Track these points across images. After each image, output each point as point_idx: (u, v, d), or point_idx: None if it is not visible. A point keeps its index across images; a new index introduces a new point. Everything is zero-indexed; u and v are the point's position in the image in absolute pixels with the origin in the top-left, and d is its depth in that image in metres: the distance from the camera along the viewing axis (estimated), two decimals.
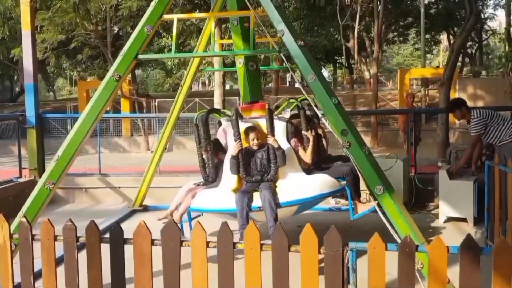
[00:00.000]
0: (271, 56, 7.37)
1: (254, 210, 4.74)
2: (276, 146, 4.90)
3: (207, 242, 2.57)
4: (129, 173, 10.09)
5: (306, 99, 5.20)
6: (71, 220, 2.79)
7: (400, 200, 3.94)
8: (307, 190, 4.84)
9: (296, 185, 4.90)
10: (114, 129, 18.85)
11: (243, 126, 5.09)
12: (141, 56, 4.56)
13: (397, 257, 2.35)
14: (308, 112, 5.41)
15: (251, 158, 5.04)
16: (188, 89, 7.10)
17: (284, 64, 4.86)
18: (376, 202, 3.97)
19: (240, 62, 5.44)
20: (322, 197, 5.08)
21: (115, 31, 21.21)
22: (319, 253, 2.42)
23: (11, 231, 2.90)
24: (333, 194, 5.16)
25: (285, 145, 5.10)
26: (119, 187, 8.42)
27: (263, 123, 5.13)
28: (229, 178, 5.09)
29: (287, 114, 5.54)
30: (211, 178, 5.45)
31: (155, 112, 20.63)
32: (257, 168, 5.00)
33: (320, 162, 5.40)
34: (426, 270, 3.05)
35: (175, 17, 4.64)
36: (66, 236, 2.75)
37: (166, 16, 4.58)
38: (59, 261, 2.88)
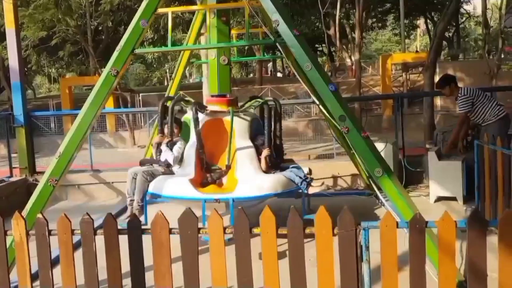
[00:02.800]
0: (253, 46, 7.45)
1: (210, 201, 4.90)
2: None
3: (224, 228, 2.66)
4: (120, 168, 10.09)
5: (271, 100, 5.40)
6: (87, 214, 2.85)
7: (398, 182, 4.07)
8: (262, 188, 5.01)
9: (254, 183, 5.07)
10: (98, 125, 18.70)
11: (205, 118, 5.33)
12: (137, 50, 4.59)
13: (408, 234, 2.47)
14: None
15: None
16: (179, 81, 7.13)
17: (278, 54, 4.94)
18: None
19: (212, 55, 5.52)
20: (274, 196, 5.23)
21: (95, 26, 20.92)
22: (333, 234, 2.53)
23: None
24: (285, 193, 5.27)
25: (246, 144, 5.29)
26: (112, 182, 8.43)
27: (226, 118, 5.30)
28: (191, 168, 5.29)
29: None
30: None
31: (140, 107, 20.52)
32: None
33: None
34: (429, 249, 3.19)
35: (169, 10, 4.67)
36: (84, 229, 2.81)
37: (161, 10, 4.60)
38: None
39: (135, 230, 2.77)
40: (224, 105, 5.45)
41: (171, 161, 5.33)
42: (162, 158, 5.41)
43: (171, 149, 5.42)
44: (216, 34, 5.20)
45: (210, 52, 5.57)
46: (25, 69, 28.20)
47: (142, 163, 5.80)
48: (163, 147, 5.40)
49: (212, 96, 5.64)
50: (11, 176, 8.44)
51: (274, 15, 4.29)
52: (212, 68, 5.56)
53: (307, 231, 2.58)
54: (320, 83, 4.20)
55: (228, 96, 5.59)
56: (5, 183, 8.02)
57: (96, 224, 2.86)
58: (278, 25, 4.29)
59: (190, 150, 5.36)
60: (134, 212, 5.22)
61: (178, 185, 5.11)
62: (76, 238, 2.90)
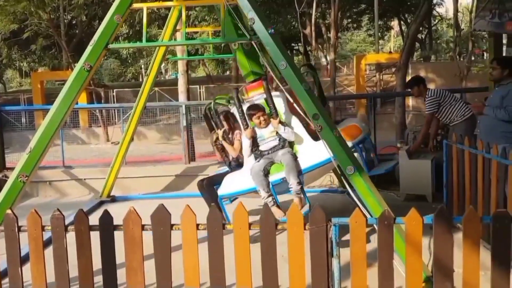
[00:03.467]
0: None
1: (277, 183, 4.84)
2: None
3: (197, 225, 2.67)
4: (93, 164, 9.97)
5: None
6: (58, 210, 2.82)
7: (369, 180, 4.15)
8: (319, 155, 4.85)
9: (308, 152, 4.98)
10: (71, 120, 18.37)
11: (245, 108, 5.18)
12: (111, 46, 4.54)
13: (377, 230, 2.54)
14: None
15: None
16: (154, 78, 7.09)
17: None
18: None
19: (235, 45, 5.44)
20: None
21: (68, 20, 20.53)
22: (305, 229, 2.58)
23: None
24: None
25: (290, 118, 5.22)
26: (84, 179, 8.32)
27: (263, 101, 5.21)
28: (248, 160, 5.19)
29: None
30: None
31: (114, 103, 20.25)
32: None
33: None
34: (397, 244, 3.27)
35: (144, 6, 4.64)
36: (54, 225, 2.78)
37: (136, 5, 4.57)
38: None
39: (107, 226, 2.75)
40: (259, 88, 5.33)
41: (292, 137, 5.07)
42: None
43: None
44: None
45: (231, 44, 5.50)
46: None
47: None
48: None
49: (249, 82, 5.51)
50: None
51: (250, 13, 4.30)
52: (240, 57, 5.47)
53: (279, 227, 2.62)
54: (294, 82, 4.23)
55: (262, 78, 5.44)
56: None
57: (67, 221, 2.83)
58: (253, 23, 4.30)
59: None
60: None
61: (244, 179, 5.03)
62: (46, 236, 2.87)
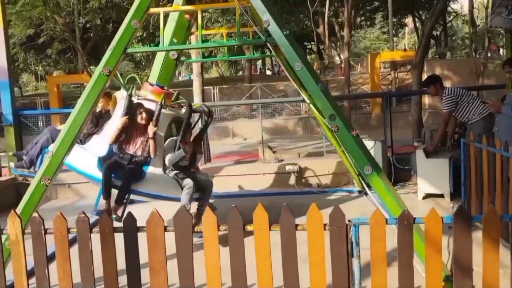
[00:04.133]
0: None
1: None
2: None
3: (218, 226, 2.72)
4: None
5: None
6: (83, 212, 2.90)
7: (387, 179, 4.16)
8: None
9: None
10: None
11: (136, 101, 5.27)
12: (130, 50, 4.62)
13: (397, 230, 2.56)
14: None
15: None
16: (170, 81, 7.15)
17: (267, 52, 4.98)
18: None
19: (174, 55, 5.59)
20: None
21: (83, 24, 20.80)
22: (325, 229, 2.61)
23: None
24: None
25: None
26: None
27: (151, 107, 5.23)
28: (100, 143, 5.26)
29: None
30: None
31: None
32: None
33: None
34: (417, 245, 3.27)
35: (161, 10, 4.71)
36: (80, 227, 2.85)
37: (153, 10, 4.64)
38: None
39: (131, 228, 2.82)
40: (157, 95, 5.31)
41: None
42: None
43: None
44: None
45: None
46: (13, 66, 27.99)
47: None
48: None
49: (151, 84, 5.58)
50: (0, 175, 8.39)
51: (265, 15, 4.34)
52: (159, 57, 5.61)
53: (299, 228, 2.65)
54: (310, 82, 4.26)
55: (165, 88, 5.52)
56: None
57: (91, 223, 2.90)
58: (269, 25, 4.34)
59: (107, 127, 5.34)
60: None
61: (86, 159, 5.14)
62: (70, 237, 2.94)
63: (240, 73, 41.16)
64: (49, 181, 4.34)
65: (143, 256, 2.87)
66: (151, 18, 15.65)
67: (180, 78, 44.97)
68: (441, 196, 6.62)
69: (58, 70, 29.95)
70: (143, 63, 38.78)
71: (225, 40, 6.86)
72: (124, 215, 2.92)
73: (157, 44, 4.95)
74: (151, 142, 5.08)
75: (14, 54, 16.99)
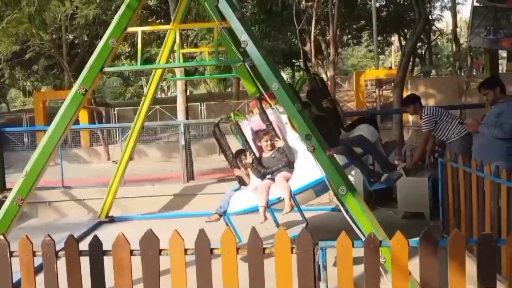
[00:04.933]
0: None
1: (273, 203, 4.88)
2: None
3: (185, 250, 2.69)
4: (92, 184, 10.01)
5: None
6: (49, 235, 2.85)
7: (361, 199, 4.18)
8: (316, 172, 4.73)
9: (304, 170, 4.96)
10: (72, 139, 18.49)
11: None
12: (106, 69, 4.63)
13: (363, 253, 2.55)
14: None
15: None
16: (152, 98, 7.16)
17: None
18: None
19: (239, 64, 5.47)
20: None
21: (70, 40, 20.78)
22: (292, 252, 2.59)
23: None
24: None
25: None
26: (84, 199, 8.35)
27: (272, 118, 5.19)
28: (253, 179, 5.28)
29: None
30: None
31: (115, 121, 20.37)
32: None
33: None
34: (389, 264, 3.27)
35: (139, 29, 4.73)
36: (45, 251, 2.80)
37: (130, 29, 4.66)
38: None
39: (97, 252, 2.77)
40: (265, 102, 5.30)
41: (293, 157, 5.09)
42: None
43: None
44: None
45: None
46: None
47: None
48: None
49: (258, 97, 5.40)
50: None
51: (243, 36, 4.38)
52: (242, 74, 5.54)
53: (267, 251, 2.64)
54: (287, 103, 4.29)
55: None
56: None
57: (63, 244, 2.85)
58: (246, 45, 4.38)
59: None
60: None
61: (250, 198, 5.08)
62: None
63: (230, 89, 41.32)
64: (22, 201, 4.28)
65: (112, 280, 2.82)
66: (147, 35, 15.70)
67: (169, 94, 44.97)
68: (421, 215, 6.64)
69: (46, 85, 29.80)
70: (132, 79, 38.74)
71: (207, 59, 6.91)
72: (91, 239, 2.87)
73: (146, 62, 4.95)
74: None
75: (0, 69, 16.86)
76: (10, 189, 8.48)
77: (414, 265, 2.66)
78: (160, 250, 2.71)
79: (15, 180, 9.09)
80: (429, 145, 6.78)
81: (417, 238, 2.51)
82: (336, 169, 4.16)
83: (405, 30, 30.92)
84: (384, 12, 29.05)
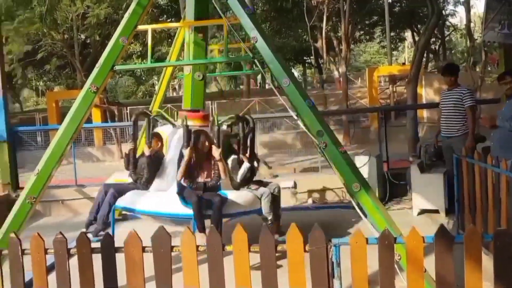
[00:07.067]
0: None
1: (182, 217, 4.87)
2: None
3: (197, 247, 2.67)
4: None
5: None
6: (61, 233, 2.84)
7: (375, 196, 4.11)
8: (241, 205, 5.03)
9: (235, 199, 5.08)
10: (86, 138, 18.63)
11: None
12: (117, 67, 4.61)
13: (377, 250, 2.50)
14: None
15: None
16: (163, 97, 7.16)
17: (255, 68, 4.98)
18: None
19: (187, 70, 5.58)
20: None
21: (82, 40, 20.91)
22: (305, 250, 2.55)
23: None
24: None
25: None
26: None
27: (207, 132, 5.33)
28: (173, 182, 5.28)
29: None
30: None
31: (128, 120, 20.46)
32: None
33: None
34: (404, 261, 3.21)
35: (149, 27, 4.72)
36: (57, 248, 2.80)
37: (141, 27, 4.64)
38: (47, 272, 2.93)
39: (109, 249, 2.76)
40: (198, 120, 5.49)
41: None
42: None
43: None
44: (193, 50, 5.26)
45: (185, 67, 5.63)
46: (12, 82, 28.15)
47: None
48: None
49: (185, 110, 5.65)
50: None
51: (252, 32, 4.34)
52: (186, 83, 5.62)
53: (279, 248, 2.60)
54: (297, 99, 4.24)
55: (201, 111, 5.62)
56: None
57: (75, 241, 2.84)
58: (256, 41, 4.34)
59: (170, 165, 5.38)
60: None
61: (165, 202, 5.11)
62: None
63: (241, 87, 41.32)
64: (34, 200, 4.30)
65: (124, 277, 2.80)
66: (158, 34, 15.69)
67: (180, 93, 45.11)
68: (437, 211, 6.54)
69: (58, 85, 30.09)
70: (143, 78, 38.95)
71: (217, 56, 6.89)
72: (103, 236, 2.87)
73: (157, 60, 4.96)
74: (219, 164, 5.08)
75: (12, 70, 17.01)
76: (23, 188, 8.55)
77: (429, 262, 2.61)
78: (172, 247, 2.68)
79: (28, 179, 9.25)
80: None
81: (433, 234, 2.46)
82: (349, 165, 4.10)
83: (418, 26, 30.64)
84: (397, 8, 28.81)
